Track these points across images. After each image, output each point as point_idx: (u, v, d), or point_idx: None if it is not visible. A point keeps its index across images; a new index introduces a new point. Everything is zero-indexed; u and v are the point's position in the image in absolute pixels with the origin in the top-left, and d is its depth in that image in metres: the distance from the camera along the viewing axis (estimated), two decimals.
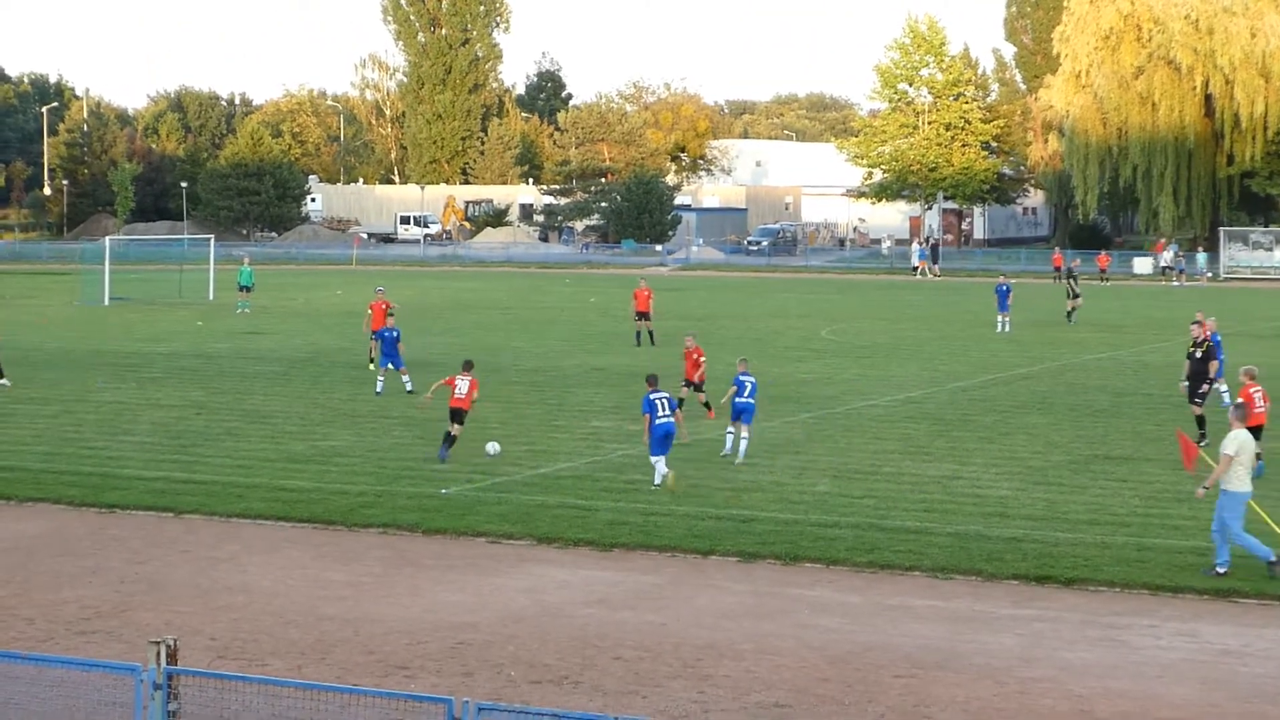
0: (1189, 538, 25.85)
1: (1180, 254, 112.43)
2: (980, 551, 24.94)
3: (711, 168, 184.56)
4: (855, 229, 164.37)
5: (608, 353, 54.96)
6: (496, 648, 19.95)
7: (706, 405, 37.89)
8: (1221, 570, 23.50)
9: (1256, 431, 32.50)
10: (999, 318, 64.32)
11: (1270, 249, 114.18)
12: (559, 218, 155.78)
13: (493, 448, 32.61)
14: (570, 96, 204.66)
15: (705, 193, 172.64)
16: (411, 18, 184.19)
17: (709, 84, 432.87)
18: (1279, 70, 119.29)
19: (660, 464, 30.07)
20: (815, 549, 25.23)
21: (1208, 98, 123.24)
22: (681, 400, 36.07)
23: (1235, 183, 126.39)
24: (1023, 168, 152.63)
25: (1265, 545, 23.70)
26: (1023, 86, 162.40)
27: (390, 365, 43.28)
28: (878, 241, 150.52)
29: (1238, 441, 23.88)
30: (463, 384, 32.82)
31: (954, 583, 23.57)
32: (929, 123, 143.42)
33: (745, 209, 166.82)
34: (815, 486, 30.40)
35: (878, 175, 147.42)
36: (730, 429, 33.38)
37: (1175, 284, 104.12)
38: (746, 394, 32.88)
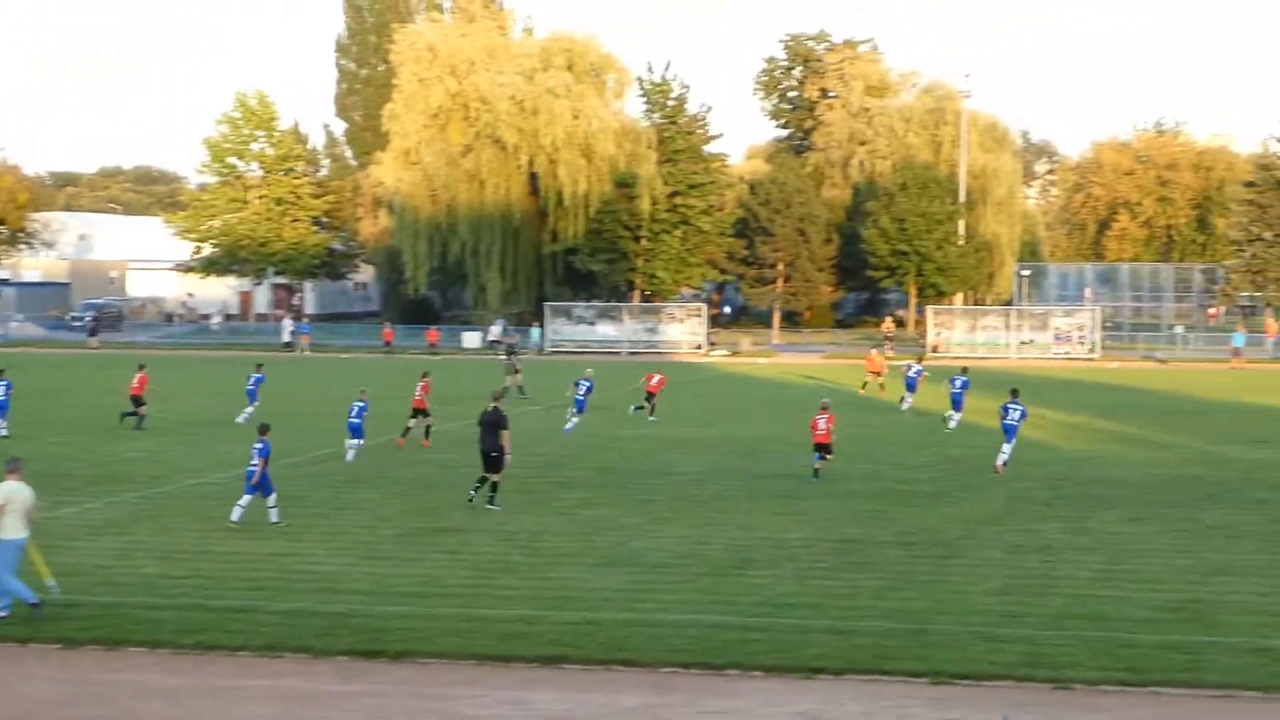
0: (516, 607, 26.33)
1: (509, 328, 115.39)
2: (310, 628, 24.74)
3: (32, 241, 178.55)
4: (183, 304, 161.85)
5: None
6: None
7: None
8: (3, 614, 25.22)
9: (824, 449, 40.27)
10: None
11: (593, 323, 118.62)
12: None
13: None
14: None
15: (26, 266, 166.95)
16: None
17: (30, 155, 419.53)
18: (600, 151, 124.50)
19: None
20: (140, 632, 24.53)
21: (533, 176, 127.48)
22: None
23: (560, 259, 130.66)
24: (354, 243, 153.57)
25: (31, 590, 25.36)
26: (354, 163, 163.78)
27: None
28: (207, 316, 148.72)
29: (5, 492, 25.26)
30: None
31: (283, 661, 23.28)
32: (259, 197, 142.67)
33: (69, 283, 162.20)
34: (141, 568, 29.59)
35: (207, 249, 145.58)
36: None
37: (504, 358, 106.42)
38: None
